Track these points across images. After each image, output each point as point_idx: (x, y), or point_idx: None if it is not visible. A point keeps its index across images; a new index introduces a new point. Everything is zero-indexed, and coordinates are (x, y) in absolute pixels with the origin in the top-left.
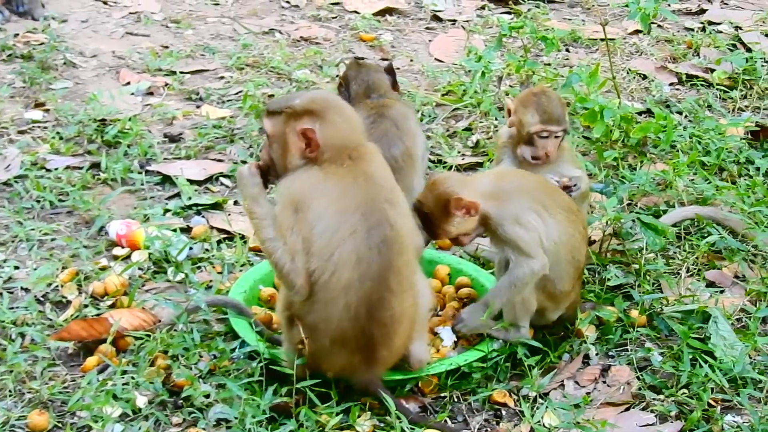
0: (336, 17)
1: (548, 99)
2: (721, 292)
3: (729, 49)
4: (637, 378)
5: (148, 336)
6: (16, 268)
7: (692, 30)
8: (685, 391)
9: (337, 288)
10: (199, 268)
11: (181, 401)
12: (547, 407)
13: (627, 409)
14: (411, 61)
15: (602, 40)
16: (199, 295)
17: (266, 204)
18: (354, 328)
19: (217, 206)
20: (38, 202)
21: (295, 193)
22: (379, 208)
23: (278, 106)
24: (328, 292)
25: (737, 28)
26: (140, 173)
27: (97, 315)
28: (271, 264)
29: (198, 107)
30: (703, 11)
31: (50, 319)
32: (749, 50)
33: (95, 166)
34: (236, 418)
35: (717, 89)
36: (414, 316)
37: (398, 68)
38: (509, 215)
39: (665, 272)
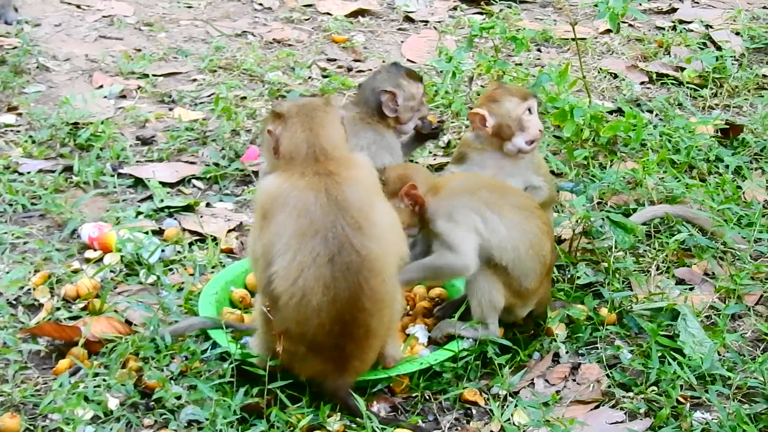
0: (308, 19)
1: (509, 85)
2: (691, 289)
3: (699, 47)
4: (607, 376)
5: (120, 338)
6: None
7: (663, 29)
8: (654, 388)
9: (308, 310)
10: (170, 270)
11: (153, 403)
12: (516, 405)
13: (597, 407)
14: (383, 61)
15: (573, 39)
16: (170, 297)
17: None
18: (328, 341)
19: (189, 208)
20: (11, 205)
21: (265, 200)
22: (339, 234)
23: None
24: (300, 314)
25: (708, 26)
26: (113, 176)
27: (70, 318)
28: None
29: (170, 110)
30: (674, 10)
31: (22, 322)
32: (719, 48)
33: (68, 169)
34: (207, 419)
35: (687, 88)
36: (390, 324)
37: (370, 69)
38: (443, 211)
39: (635, 270)
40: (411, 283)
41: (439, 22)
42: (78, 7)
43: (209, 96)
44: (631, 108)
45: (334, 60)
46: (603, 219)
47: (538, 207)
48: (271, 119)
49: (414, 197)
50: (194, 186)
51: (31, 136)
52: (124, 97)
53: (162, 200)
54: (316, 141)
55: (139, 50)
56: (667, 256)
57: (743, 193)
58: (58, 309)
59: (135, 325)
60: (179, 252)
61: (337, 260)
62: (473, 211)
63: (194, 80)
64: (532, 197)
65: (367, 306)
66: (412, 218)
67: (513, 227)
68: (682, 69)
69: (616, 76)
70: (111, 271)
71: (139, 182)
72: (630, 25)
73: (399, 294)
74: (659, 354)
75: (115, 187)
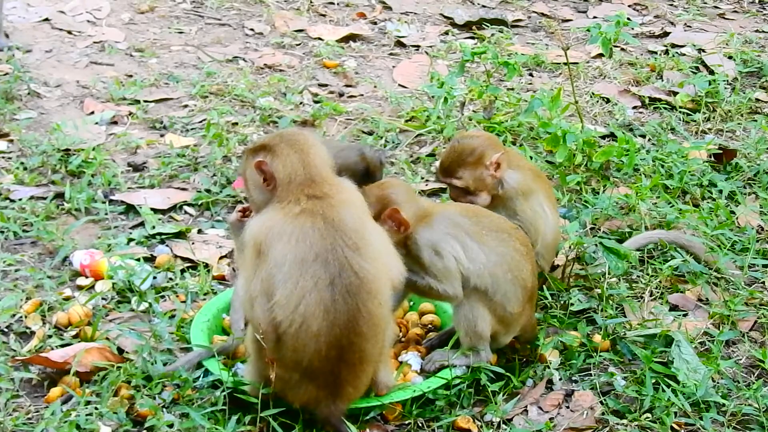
0: (300, 44)
1: (450, 149)
2: (684, 315)
3: (692, 71)
4: (601, 403)
5: (112, 366)
6: None
7: (655, 53)
8: (649, 415)
9: (307, 336)
10: (162, 297)
11: (145, 431)
12: None
13: None
14: (375, 87)
15: (565, 64)
16: (162, 324)
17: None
18: (324, 367)
19: (180, 235)
20: (2, 232)
21: (258, 235)
22: (339, 256)
23: (247, 146)
24: (298, 341)
25: (700, 50)
26: (104, 203)
27: (61, 345)
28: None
29: (162, 136)
30: (666, 34)
31: (14, 350)
32: (712, 73)
33: (59, 196)
34: None
35: (680, 112)
36: (382, 349)
37: (362, 94)
38: (429, 242)
39: (628, 296)
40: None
41: (431, 46)
42: (69, 33)
43: (200, 122)
44: (623, 133)
45: (326, 85)
46: (596, 245)
47: (516, 228)
48: (253, 154)
49: (398, 221)
50: (186, 212)
51: (22, 163)
52: (115, 123)
53: (153, 227)
54: (309, 161)
55: (130, 76)
56: (660, 282)
57: (737, 218)
58: (50, 337)
59: (127, 352)
60: (171, 279)
61: (337, 283)
62: (456, 239)
63: (185, 106)
64: (507, 220)
65: (364, 330)
66: (392, 238)
67: (490, 252)
68: (675, 93)
69: (608, 101)
70: (102, 299)
71: (130, 209)
72: (622, 50)
73: (392, 319)
74: (653, 381)
75: (106, 214)
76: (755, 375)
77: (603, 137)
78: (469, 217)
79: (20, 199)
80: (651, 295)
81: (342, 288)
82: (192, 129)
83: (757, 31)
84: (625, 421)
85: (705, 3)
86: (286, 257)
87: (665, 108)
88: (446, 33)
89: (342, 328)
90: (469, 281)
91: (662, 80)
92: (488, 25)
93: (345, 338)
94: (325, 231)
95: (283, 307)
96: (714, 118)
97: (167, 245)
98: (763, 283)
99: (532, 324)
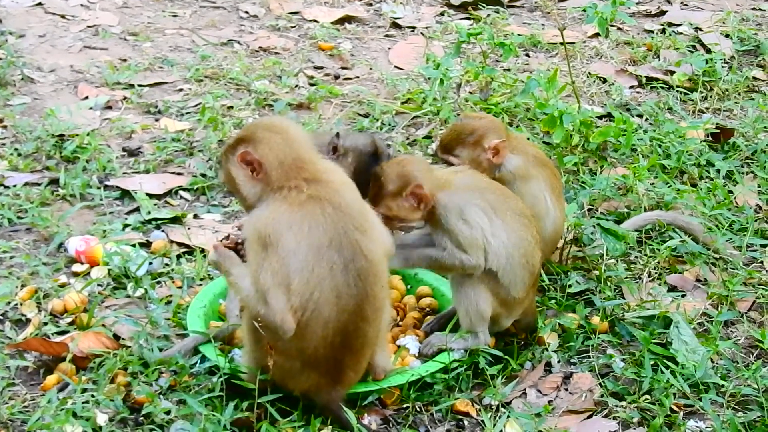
0: (295, 26)
1: (452, 127)
2: (683, 296)
3: (689, 50)
4: (600, 385)
5: (108, 353)
6: None
7: (652, 32)
8: (648, 397)
9: (317, 324)
10: (158, 283)
11: (142, 418)
12: (509, 416)
13: (589, 417)
14: (370, 69)
15: (562, 44)
16: (158, 310)
17: (241, 264)
18: (327, 354)
19: (176, 220)
20: None
21: (261, 227)
22: (351, 240)
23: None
24: (307, 329)
25: (697, 29)
26: (99, 188)
27: (57, 332)
28: (252, 314)
29: (157, 120)
30: (662, 13)
31: (9, 338)
32: (709, 51)
33: (54, 182)
34: None
35: (677, 91)
36: (379, 332)
37: (357, 77)
38: (455, 208)
39: (626, 278)
40: (408, 267)
41: (427, 28)
42: (63, 17)
43: (195, 106)
44: (620, 113)
45: (321, 68)
46: (594, 226)
47: (534, 216)
48: (233, 150)
49: (420, 197)
50: (181, 197)
51: (16, 149)
52: (109, 108)
53: (149, 212)
54: (292, 140)
55: (125, 60)
56: (659, 262)
57: (735, 197)
58: (46, 324)
59: (123, 339)
60: (167, 264)
61: (351, 267)
62: (483, 211)
63: (180, 90)
64: (526, 206)
65: (369, 314)
66: (414, 214)
67: (512, 233)
68: (672, 72)
69: (605, 81)
70: (98, 285)
71: (125, 194)
72: (619, 29)
73: (389, 301)
74: (652, 362)
75: (101, 200)
76: (754, 355)
77: (600, 117)
78: (497, 194)
79: (14, 186)
80: (649, 276)
81: (354, 272)
82: (187, 113)
83: (754, 9)
84: (624, 403)
85: None
86: (300, 244)
87: (662, 87)
88: (442, 14)
89: (350, 313)
90: (486, 259)
91: (659, 59)
92: (484, 5)
93: (351, 324)
94: (335, 216)
95: (298, 294)
96: (711, 97)
97: (163, 231)
98: (762, 262)
99: (533, 309)
